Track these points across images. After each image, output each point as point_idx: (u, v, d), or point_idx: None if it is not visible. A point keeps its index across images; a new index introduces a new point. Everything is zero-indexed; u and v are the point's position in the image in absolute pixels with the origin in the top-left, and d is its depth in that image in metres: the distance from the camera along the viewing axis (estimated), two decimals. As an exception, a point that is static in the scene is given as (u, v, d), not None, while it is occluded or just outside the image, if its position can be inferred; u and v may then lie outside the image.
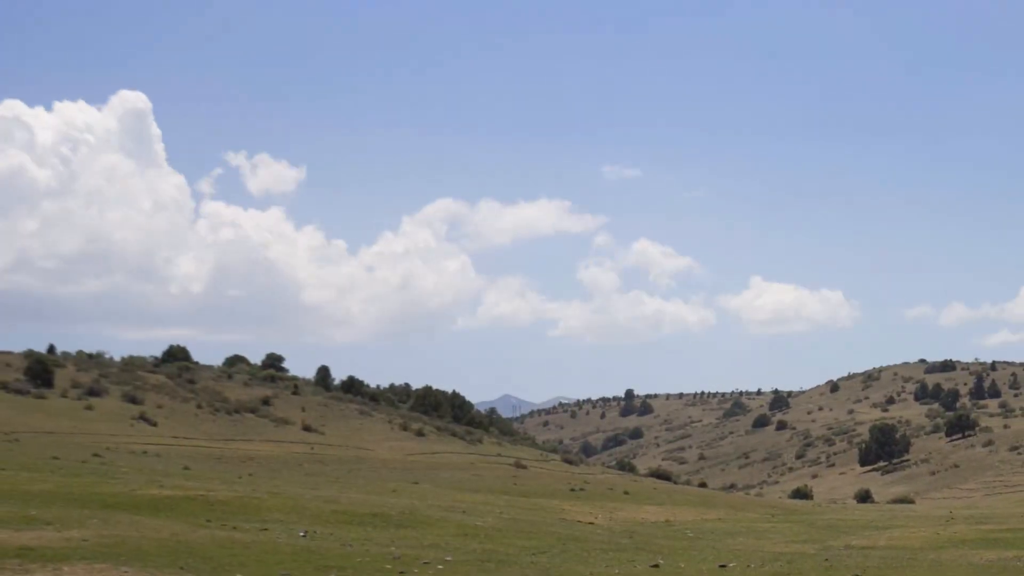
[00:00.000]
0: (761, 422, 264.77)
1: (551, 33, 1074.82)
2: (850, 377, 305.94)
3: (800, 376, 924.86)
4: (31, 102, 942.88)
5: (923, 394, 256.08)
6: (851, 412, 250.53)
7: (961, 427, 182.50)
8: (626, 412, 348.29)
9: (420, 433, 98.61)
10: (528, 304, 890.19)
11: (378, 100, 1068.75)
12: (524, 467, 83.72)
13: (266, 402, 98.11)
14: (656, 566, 29.34)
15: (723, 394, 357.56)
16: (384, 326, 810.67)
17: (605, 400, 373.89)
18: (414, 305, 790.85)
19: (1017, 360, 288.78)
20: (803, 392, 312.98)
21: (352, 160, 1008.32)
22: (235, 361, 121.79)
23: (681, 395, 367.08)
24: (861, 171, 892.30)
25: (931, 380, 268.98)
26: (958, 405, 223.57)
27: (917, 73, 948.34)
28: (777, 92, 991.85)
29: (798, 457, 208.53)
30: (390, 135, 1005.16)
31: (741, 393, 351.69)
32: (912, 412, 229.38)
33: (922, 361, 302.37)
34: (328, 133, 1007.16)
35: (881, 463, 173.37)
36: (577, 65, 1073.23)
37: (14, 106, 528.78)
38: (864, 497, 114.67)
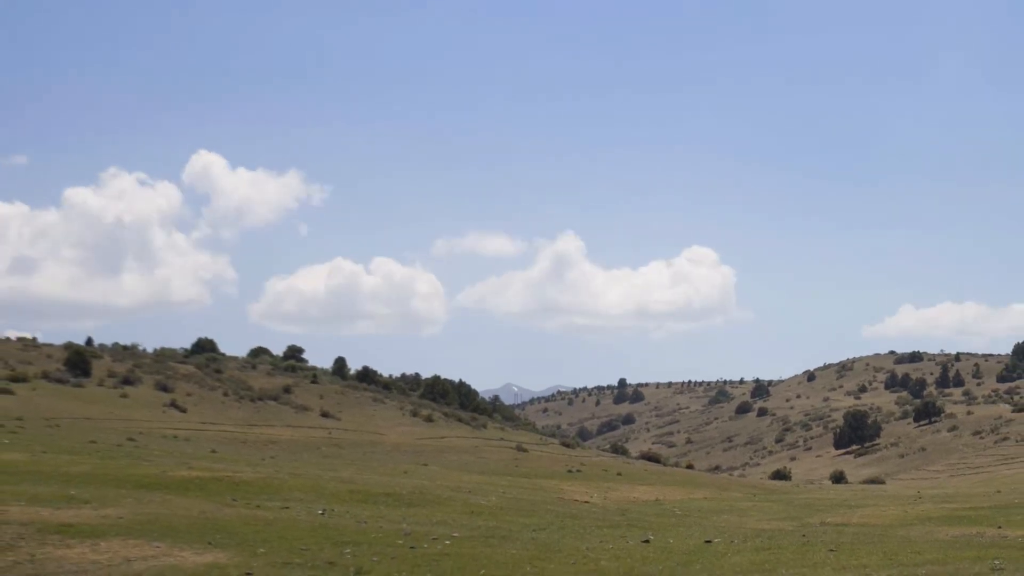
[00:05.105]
0: (744, 409, 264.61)
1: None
2: (825, 367, 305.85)
3: (779, 366, 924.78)
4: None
5: (893, 383, 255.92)
6: (826, 400, 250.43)
7: (928, 413, 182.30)
8: (619, 400, 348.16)
9: (429, 419, 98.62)
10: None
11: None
12: (525, 450, 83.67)
13: (287, 390, 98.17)
14: (647, 541, 29.32)
15: (708, 383, 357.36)
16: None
17: (600, 388, 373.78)
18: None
19: (979, 352, 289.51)
20: (782, 381, 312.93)
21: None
22: (258, 352, 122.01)
23: (670, 384, 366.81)
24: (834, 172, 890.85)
25: (900, 370, 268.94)
26: (925, 393, 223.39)
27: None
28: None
29: (777, 441, 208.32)
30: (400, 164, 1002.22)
31: (725, 382, 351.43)
32: (883, 400, 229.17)
33: (892, 353, 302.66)
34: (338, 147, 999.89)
35: (854, 447, 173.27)
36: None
37: None
38: (838, 478, 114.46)
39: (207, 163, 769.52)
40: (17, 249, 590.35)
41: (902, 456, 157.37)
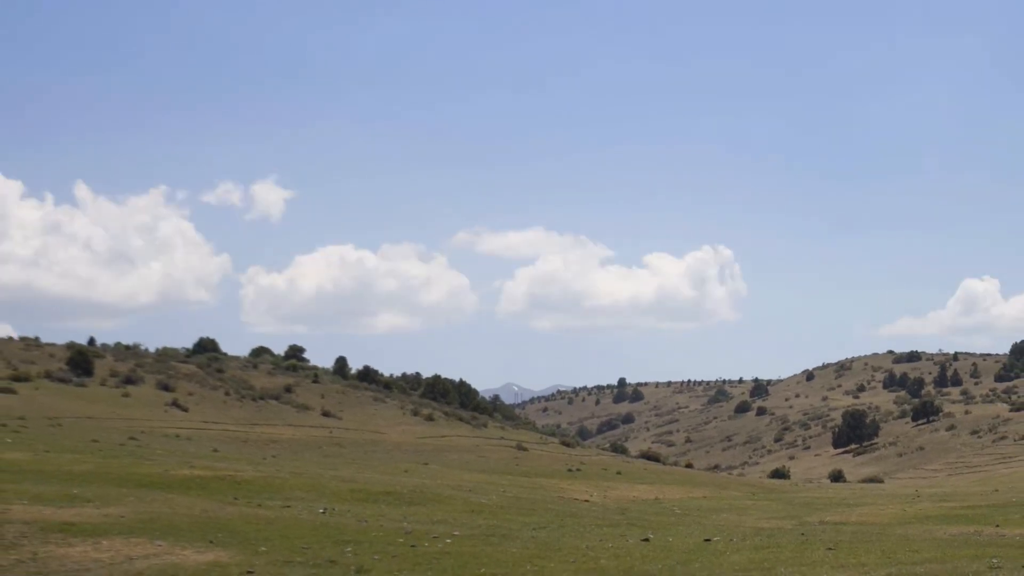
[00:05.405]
0: (743, 408, 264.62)
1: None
2: (824, 367, 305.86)
3: (778, 366, 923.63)
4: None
5: (891, 382, 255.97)
6: (825, 399, 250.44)
7: (926, 413, 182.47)
8: (619, 399, 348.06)
9: (430, 418, 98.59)
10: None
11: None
12: (525, 449, 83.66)
13: (288, 389, 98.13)
14: (646, 540, 29.31)
15: (708, 382, 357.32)
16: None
17: (600, 388, 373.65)
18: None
19: (977, 351, 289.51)
20: (781, 380, 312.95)
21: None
22: (260, 352, 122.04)
23: (669, 383, 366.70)
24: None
25: (898, 370, 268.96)
26: (923, 392, 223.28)
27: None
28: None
29: (776, 440, 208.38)
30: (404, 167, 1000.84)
31: (724, 381, 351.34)
32: (881, 399, 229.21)
33: (890, 352, 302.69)
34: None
35: (853, 446, 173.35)
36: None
37: None
38: (837, 477, 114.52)
39: (210, 162, 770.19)
40: (23, 247, 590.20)
41: (900, 455, 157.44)
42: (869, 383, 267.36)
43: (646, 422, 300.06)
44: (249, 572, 20.75)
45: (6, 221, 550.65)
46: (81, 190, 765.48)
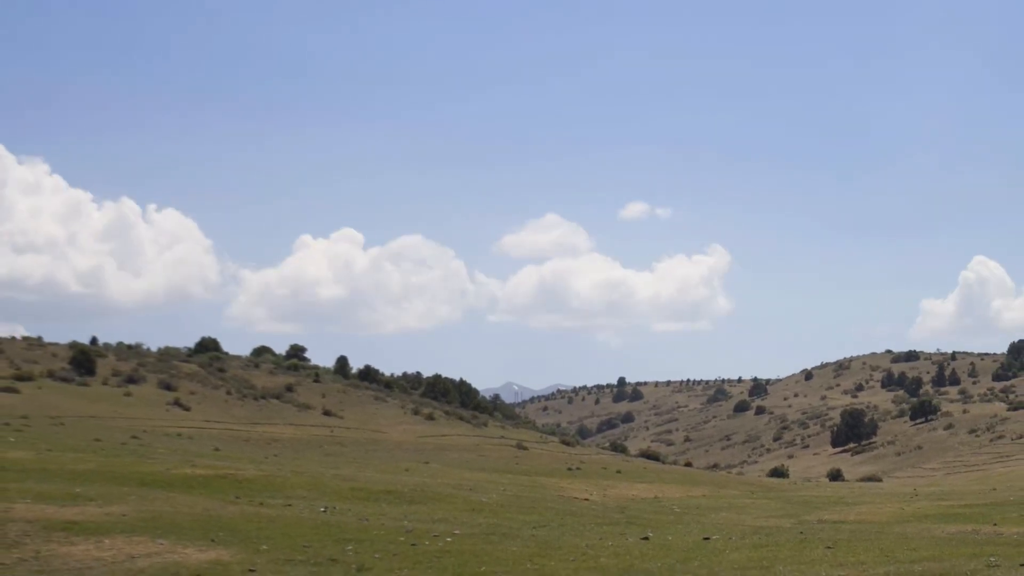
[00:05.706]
0: (742, 407, 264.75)
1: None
2: (823, 366, 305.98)
3: (777, 365, 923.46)
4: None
5: (889, 382, 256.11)
6: (824, 398, 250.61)
7: (924, 412, 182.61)
8: (618, 398, 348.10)
9: (430, 417, 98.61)
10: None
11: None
12: (525, 448, 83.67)
13: (289, 389, 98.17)
14: (646, 538, 29.32)
15: (707, 381, 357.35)
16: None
17: (599, 387, 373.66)
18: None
19: (975, 351, 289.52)
20: (780, 380, 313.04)
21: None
22: (261, 351, 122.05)
23: (668, 383, 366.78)
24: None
25: (897, 369, 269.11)
26: (921, 392, 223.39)
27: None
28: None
29: (775, 439, 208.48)
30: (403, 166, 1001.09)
31: (723, 381, 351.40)
32: (879, 398, 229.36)
33: (888, 352, 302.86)
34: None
35: (851, 445, 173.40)
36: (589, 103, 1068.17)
37: None
38: (835, 476, 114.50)
39: (211, 161, 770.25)
40: (27, 246, 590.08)
41: (899, 454, 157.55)
42: (867, 382, 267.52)
43: (645, 421, 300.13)
44: (251, 570, 20.76)
45: (12, 219, 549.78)
46: (85, 189, 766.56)
